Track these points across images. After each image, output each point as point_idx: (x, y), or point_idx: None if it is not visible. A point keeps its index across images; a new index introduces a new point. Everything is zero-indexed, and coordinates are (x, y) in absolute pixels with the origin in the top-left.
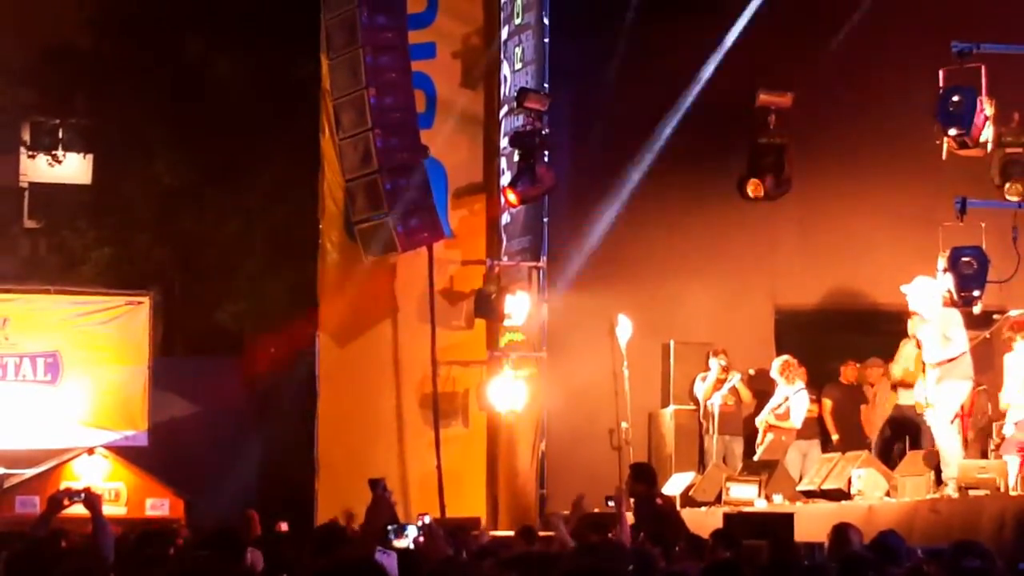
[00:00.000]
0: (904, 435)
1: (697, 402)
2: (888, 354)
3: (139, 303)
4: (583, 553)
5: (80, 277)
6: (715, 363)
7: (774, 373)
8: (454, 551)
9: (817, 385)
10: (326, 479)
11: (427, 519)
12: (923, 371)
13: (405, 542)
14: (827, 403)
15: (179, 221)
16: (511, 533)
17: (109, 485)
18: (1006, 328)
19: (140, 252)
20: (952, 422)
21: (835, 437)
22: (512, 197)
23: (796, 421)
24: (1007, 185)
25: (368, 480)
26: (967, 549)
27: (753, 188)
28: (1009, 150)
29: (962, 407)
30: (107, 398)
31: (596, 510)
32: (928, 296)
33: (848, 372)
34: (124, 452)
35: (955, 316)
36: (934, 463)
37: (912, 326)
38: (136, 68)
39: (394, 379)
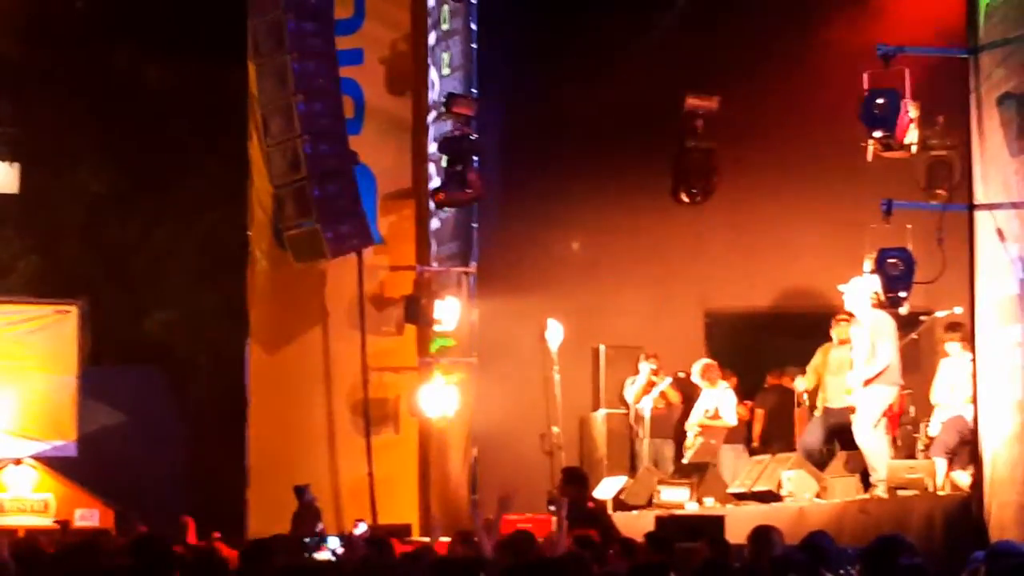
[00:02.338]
0: (833, 438)
1: (628, 406)
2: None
3: (67, 312)
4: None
5: (7, 286)
6: (645, 367)
7: (695, 377)
8: (376, 557)
9: (746, 386)
10: (257, 487)
11: (363, 526)
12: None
13: (326, 554)
14: (759, 412)
15: (107, 229)
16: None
17: (37, 496)
18: (940, 331)
19: (68, 261)
20: (876, 425)
21: (754, 445)
22: (441, 202)
23: (729, 418)
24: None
25: (293, 487)
26: (895, 546)
27: (686, 193)
28: (934, 152)
29: (890, 408)
30: (35, 408)
31: (527, 514)
32: (861, 296)
33: (772, 378)
34: (52, 462)
35: (887, 324)
36: (860, 466)
37: (838, 332)
38: (62, 76)
39: (325, 386)
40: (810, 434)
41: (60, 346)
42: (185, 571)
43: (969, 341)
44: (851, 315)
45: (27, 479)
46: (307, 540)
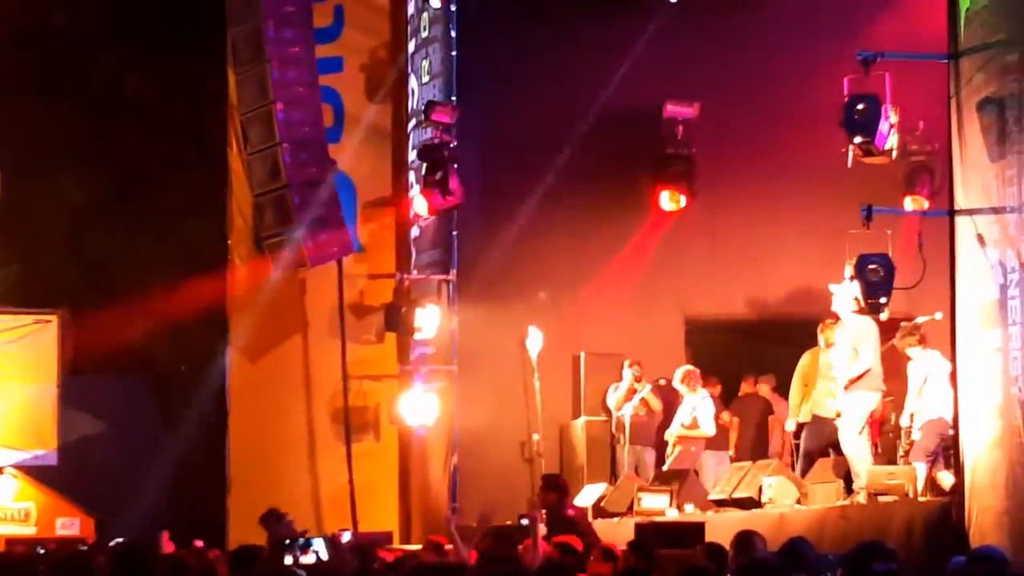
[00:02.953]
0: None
1: (609, 413)
2: (795, 362)
3: (47, 321)
4: (486, 566)
5: None
6: (628, 373)
7: (676, 383)
8: (360, 566)
9: (727, 394)
10: (238, 496)
11: (347, 535)
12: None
13: (310, 557)
14: (734, 420)
15: (88, 238)
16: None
17: (18, 505)
18: (898, 339)
19: (49, 270)
20: (860, 432)
21: (730, 454)
22: (422, 209)
23: (707, 428)
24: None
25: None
26: (874, 551)
27: (671, 199)
28: (914, 158)
29: (872, 415)
30: (15, 417)
31: (508, 523)
32: (845, 301)
33: (747, 385)
34: (33, 471)
35: (869, 329)
36: (843, 471)
37: (827, 336)
38: (43, 84)
39: (305, 394)
40: (810, 441)
41: (41, 355)
42: None
43: (950, 345)
44: (838, 318)
45: (8, 488)
46: (290, 542)
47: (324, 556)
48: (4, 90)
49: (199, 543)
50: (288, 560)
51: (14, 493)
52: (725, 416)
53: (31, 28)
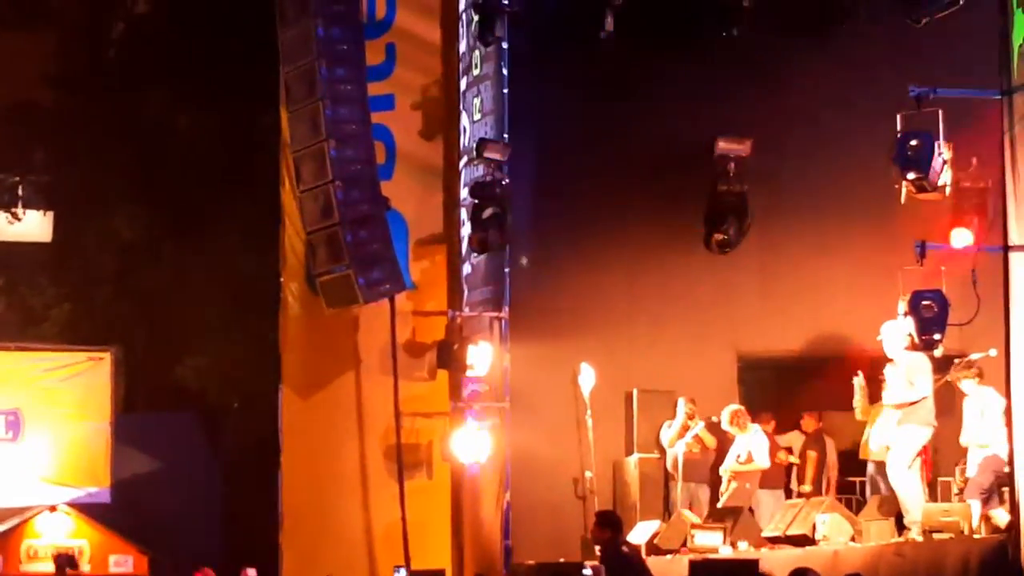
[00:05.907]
0: None
1: (662, 449)
2: (849, 399)
3: (100, 359)
4: None
5: (41, 334)
6: (682, 409)
7: (724, 424)
8: None
9: (781, 430)
10: (290, 532)
11: (403, 572)
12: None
13: None
14: (811, 455)
15: (139, 276)
16: None
17: (72, 543)
18: (955, 373)
19: (100, 308)
20: (911, 466)
21: (807, 488)
22: (474, 246)
23: (762, 461)
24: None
25: None
26: None
27: (718, 240)
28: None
29: (925, 449)
30: (69, 454)
31: (561, 559)
32: (897, 338)
33: (808, 422)
34: (86, 509)
35: (923, 362)
36: (893, 509)
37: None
38: (96, 123)
39: (357, 431)
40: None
41: (94, 393)
42: None
43: (1005, 382)
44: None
45: (62, 526)
46: None
47: None
48: (57, 129)
49: (251, 572)
50: None
51: (68, 531)
52: (782, 455)
53: (83, 67)
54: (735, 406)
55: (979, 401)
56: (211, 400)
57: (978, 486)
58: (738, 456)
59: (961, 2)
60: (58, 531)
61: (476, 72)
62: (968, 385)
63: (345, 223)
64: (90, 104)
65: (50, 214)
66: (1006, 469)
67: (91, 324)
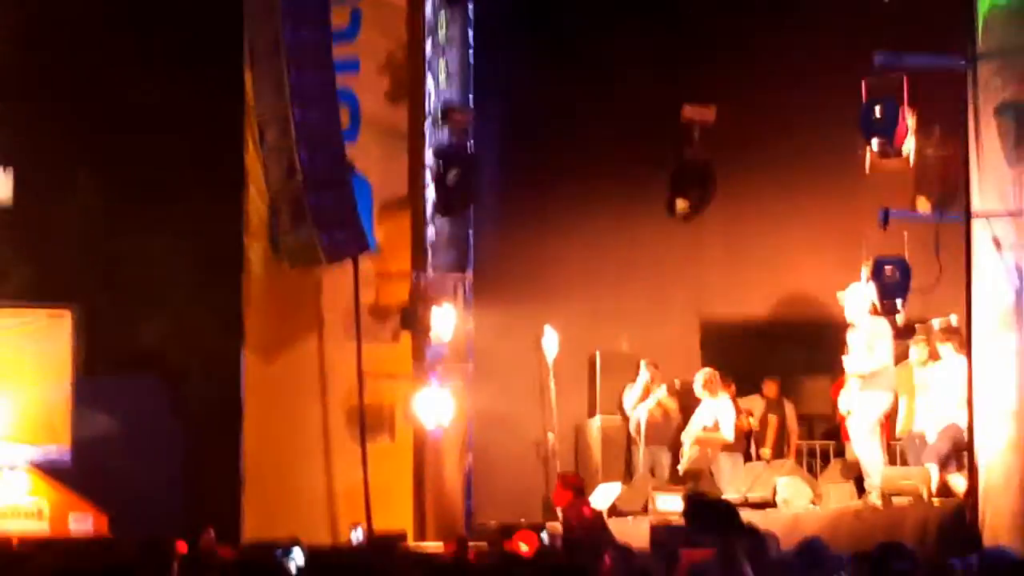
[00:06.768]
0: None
1: (624, 413)
2: (810, 365)
3: (60, 316)
4: None
5: (0, 293)
6: (644, 372)
7: (697, 387)
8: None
9: (743, 395)
10: (252, 494)
11: (360, 530)
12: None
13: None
14: (772, 419)
15: (101, 237)
16: (438, 545)
17: (31, 501)
18: (934, 337)
19: (62, 270)
20: (872, 432)
21: (767, 452)
22: (438, 209)
23: (727, 433)
24: (919, 197)
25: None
26: (893, 552)
27: (681, 206)
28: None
29: (885, 417)
30: (28, 414)
31: (522, 520)
32: (859, 303)
33: (769, 387)
34: (46, 468)
35: (884, 328)
36: (853, 473)
37: (919, 350)
38: (57, 82)
39: (320, 393)
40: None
41: (54, 352)
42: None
43: (965, 348)
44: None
45: (21, 484)
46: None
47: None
48: (16, 89)
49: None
50: None
51: (27, 490)
52: (741, 421)
53: (43, 27)
54: (708, 370)
55: (950, 369)
56: (172, 362)
57: (936, 452)
58: (704, 426)
59: None
60: (17, 490)
61: (442, 35)
62: (945, 350)
63: (309, 185)
64: (52, 62)
65: (10, 171)
66: (964, 437)
67: (52, 286)
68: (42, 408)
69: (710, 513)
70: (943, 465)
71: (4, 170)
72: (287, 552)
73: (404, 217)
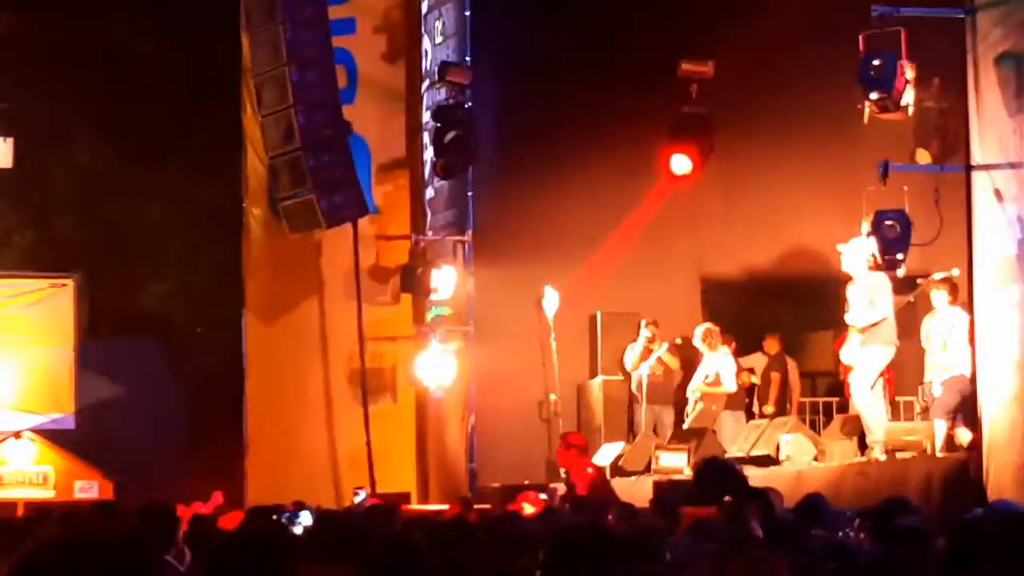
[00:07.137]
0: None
1: (626, 372)
2: (811, 321)
3: (63, 285)
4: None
5: (2, 261)
6: (644, 332)
7: (696, 341)
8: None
9: (745, 353)
10: (255, 457)
11: (363, 493)
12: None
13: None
14: (775, 376)
15: (102, 203)
16: (443, 507)
17: (37, 468)
18: (927, 288)
19: (63, 235)
20: (873, 387)
21: (770, 409)
22: (436, 170)
23: (729, 385)
24: (918, 150)
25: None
26: (898, 507)
27: (678, 163)
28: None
29: (888, 370)
30: (33, 381)
31: (525, 481)
32: (859, 257)
33: (770, 344)
34: (51, 435)
35: (883, 282)
36: (855, 428)
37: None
38: (55, 49)
39: (322, 356)
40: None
41: (57, 319)
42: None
43: (967, 302)
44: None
45: (26, 452)
46: (282, 515)
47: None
48: (14, 56)
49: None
50: None
51: (33, 457)
52: (744, 376)
53: None
54: (707, 325)
55: (948, 320)
56: (175, 326)
57: (943, 405)
58: (706, 377)
59: None
60: (23, 457)
61: None
62: (939, 298)
63: (307, 147)
64: (50, 29)
65: (10, 140)
66: (971, 389)
67: (53, 251)
68: (46, 375)
69: (719, 476)
70: (951, 419)
71: (4, 139)
72: (294, 515)
73: (403, 178)
